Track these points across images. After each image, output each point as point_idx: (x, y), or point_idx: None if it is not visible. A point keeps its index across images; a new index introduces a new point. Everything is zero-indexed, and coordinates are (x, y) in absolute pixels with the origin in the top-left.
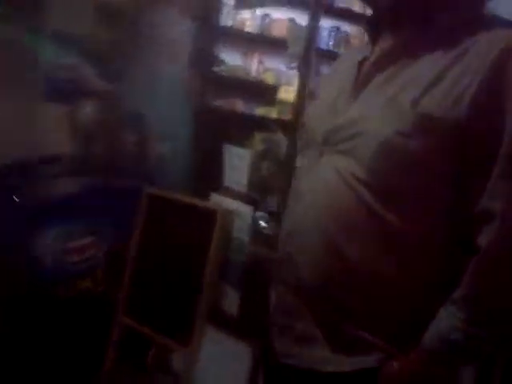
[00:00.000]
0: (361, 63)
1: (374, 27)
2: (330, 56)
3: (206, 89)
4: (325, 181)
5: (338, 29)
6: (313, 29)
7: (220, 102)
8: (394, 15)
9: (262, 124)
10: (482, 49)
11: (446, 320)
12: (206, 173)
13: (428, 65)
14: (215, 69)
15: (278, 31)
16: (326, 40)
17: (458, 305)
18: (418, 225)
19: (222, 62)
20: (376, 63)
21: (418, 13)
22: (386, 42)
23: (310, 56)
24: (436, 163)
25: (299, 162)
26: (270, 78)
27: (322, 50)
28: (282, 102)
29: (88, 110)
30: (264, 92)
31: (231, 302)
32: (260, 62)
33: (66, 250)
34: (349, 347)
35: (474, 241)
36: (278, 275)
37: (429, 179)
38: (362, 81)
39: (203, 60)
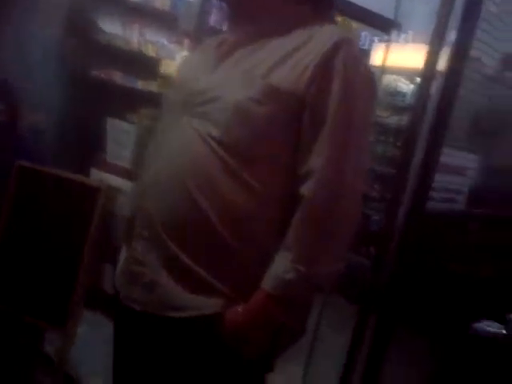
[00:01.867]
0: (220, 44)
1: (231, 16)
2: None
3: (83, 57)
4: (183, 140)
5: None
6: (204, 6)
7: (98, 73)
8: (245, 9)
9: (147, 98)
10: (320, 40)
11: (281, 263)
12: (86, 147)
13: (278, 48)
14: (93, 36)
15: (160, 4)
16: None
17: (289, 248)
18: (262, 179)
19: (101, 29)
20: (234, 44)
21: (267, 8)
22: (242, 28)
23: (201, 33)
24: (280, 127)
25: (159, 125)
26: (151, 51)
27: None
28: (164, 77)
29: None
30: (145, 65)
31: (110, 280)
32: (141, 34)
33: None
34: (195, 293)
35: (299, 194)
36: (130, 231)
37: (272, 140)
38: (220, 57)
39: (80, 26)
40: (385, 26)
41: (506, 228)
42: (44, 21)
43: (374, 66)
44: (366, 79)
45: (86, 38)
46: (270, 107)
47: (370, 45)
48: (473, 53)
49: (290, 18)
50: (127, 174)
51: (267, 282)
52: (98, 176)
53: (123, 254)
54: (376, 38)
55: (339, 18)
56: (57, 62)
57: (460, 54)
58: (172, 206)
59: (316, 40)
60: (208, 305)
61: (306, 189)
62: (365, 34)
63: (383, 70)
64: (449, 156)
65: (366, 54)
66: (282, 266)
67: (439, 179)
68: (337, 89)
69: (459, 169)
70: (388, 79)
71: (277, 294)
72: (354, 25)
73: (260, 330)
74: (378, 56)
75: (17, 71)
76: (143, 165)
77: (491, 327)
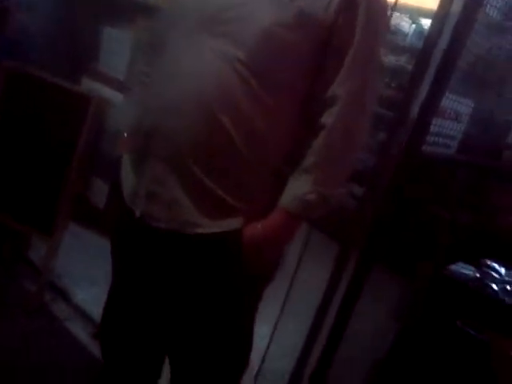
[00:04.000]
0: None
1: None
2: None
3: None
4: (205, 60)
5: None
6: None
7: None
8: None
9: (145, 8)
10: None
11: (301, 184)
12: (79, 53)
13: None
14: None
15: None
16: None
17: (309, 171)
18: (285, 102)
19: None
20: None
21: None
22: None
23: None
24: (306, 53)
25: (165, 40)
26: None
27: None
28: None
29: None
30: None
31: (99, 194)
32: None
33: None
34: (216, 211)
35: (318, 120)
36: (143, 149)
37: (298, 66)
38: None
39: None
40: None
41: (491, 177)
42: None
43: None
44: (385, 12)
45: None
46: (300, 33)
47: None
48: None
49: None
50: (120, 86)
51: (288, 202)
52: (89, 85)
53: (129, 171)
54: None
55: None
56: None
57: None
58: (196, 126)
59: None
60: (228, 222)
61: (328, 116)
62: None
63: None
64: (445, 99)
65: None
66: (302, 187)
67: (435, 123)
68: (362, 17)
69: (455, 114)
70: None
71: (298, 213)
72: None
73: (278, 245)
74: None
75: None
76: (145, 82)
77: (466, 270)
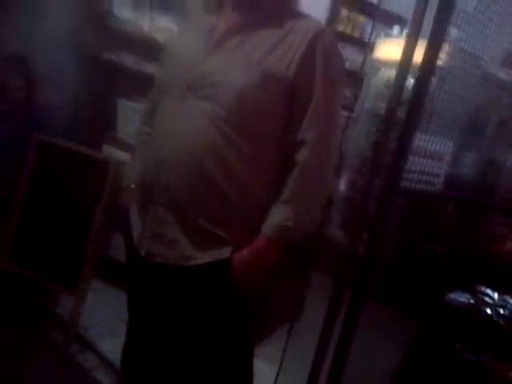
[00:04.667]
0: (211, 29)
1: (225, 5)
2: None
3: (96, 40)
4: (192, 120)
5: None
6: None
7: (110, 55)
8: (238, 2)
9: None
10: (301, 31)
11: (280, 213)
12: (99, 124)
13: (265, 38)
14: (106, 21)
15: None
16: None
17: (286, 202)
18: (260, 148)
19: (113, 14)
20: (226, 32)
21: (254, 2)
22: (231, 17)
23: None
24: (275, 106)
25: (158, 99)
26: (160, 36)
27: None
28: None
29: None
30: (155, 49)
31: (118, 247)
32: (151, 19)
33: None
34: (208, 244)
35: (293, 159)
36: (146, 196)
37: (269, 117)
38: (215, 43)
39: (94, 10)
40: (390, 21)
41: (477, 210)
42: (59, 3)
43: (378, 60)
44: (341, 63)
45: (99, 22)
46: (268, 91)
47: (376, 39)
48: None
49: (274, 11)
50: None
51: (268, 229)
52: (109, 151)
53: (136, 217)
54: (382, 32)
55: (346, 12)
56: (72, 43)
57: (430, 50)
58: (188, 176)
59: (297, 31)
60: (219, 252)
61: (300, 155)
62: (370, 27)
63: (385, 63)
64: (430, 142)
65: (371, 47)
66: (281, 216)
67: (421, 163)
68: (320, 73)
69: (438, 154)
70: (391, 73)
71: (277, 238)
72: (361, 18)
73: (262, 267)
74: (382, 50)
75: (34, 50)
76: (146, 141)
77: (462, 297)
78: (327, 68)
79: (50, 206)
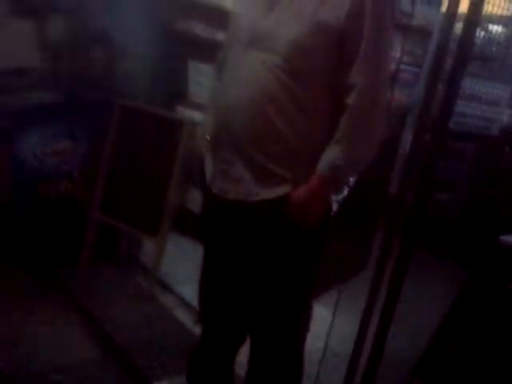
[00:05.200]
0: None
1: None
2: None
3: (170, 10)
4: (254, 70)
5: None
6: None
7: (183, 24)
8: None
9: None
10: None
11: (333, 152)
12: (173, 87)
13: None
14: None
15: None
16: None
17: (339, 142)
18: (315, 94)
19: None
20: None
21: None
22: None
23: None
24: (326, 52)
25: (226, 55)
26: (228, 4)
27: None
28: None
29: (56, 25)
30: (224, 17)
31: (194, 200)
32: None
33: (47, 152)
34: (270, 182)
35: (344, 103)
36: (216, 140)
37: (321, 63)
38: (270, 3)
39: None
40: None
41: None
42: None
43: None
44: (390, 12)
45: None
46: (319, 39)
47: None
48: None
49: None
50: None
51: (322, 167)
52: (183, 112)
53: (209, 161)
54: None
55: None
56: (146, 14)
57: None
58: (250, 119)
59: None
60: (280, 190)
61: (351, 98)
62: None
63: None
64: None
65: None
66: (334, 155)
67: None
68: (368, 21)
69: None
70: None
71: (330, 176)
72: None
73: (318, 202)
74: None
75: (113, 23)
76: (215, 93)
77: None
78: (375, 17)
79: (133, 163)
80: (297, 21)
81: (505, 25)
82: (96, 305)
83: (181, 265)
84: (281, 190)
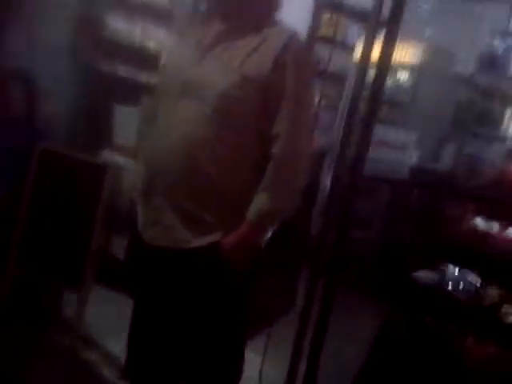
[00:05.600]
0: (201, 39)
1: (205, 18)
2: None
3: (91, 51)
4: (185, 117)
5: None
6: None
7: (104, 65)
8: (223, 13)
9: (149, 88)
10: (275, 38)
11: (260, 200)
12: (97, 130)
13: (244, 45)
14: (99, 32)
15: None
16: None
17: (266, 189)
18: (243, 142)
19: (107, 25)
20: (212, 41)
21: (238, 13)
22: (217, 27)
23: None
24: (253, 103)
25: (158, 102)
26: (153, 44)
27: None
28: None
29: None
30: (147, 58)
31: (119, 248)
32: (143, 29)
33: None
34: (201, 230)
35: (271, 152)
36: (147, 188)
37: (249, 114)
38: (204, 50)
39: (87, 21)
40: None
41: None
42: (55, 16)
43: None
44: (311, 65)
45: (93, 33)
46: (246, 90)
47: (356, 40)
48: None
49: (254, 21)
50: (132, 154)
51: (250, 215)
52: (107, 156)
53: (140, 208)
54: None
55: (328, 15)
56: (69, 55)
57: (385, 49)
58: (182, 168)
59: (272, 38)
60: (210, 237)
61: (276, 147)
62: (352, 29)
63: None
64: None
65: (352, 48)
66: (261, 202)
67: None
68: (290, 75)
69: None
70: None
71: (258, 223)
72: (342, 20)
73: (247, 249)
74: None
75: (33, 63)
76: (149, 140)
77: (427, 275)
78: (297, 70)
79: (53, 210)
80: (226, 72)
81: (411, 72)
82: (13, 365)
83: (105, 317)
84: (211, 238)
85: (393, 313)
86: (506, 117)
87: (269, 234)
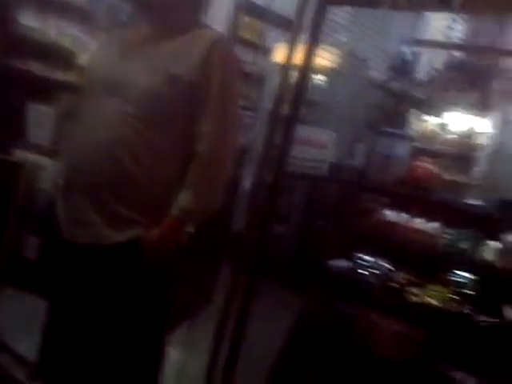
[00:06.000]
0: (127, 39)
1: (138, 16)
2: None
3: (3, 49)
4: (107, 116)
5: None
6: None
7: (18, 63)
8: (148, 16)
9: (64, 87)
10: (201, 40)
11: (184, 197)
12: (10, 129)
13: (171, 47)
14: (12, 30)
15: None
16: None
17: (189, 187)
18: (167, 141)
19: (20, 23)
20: (140, 40)
21: (162, 16)
22: (143, 28)
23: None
24: (178, 102)
25: (80, 100)
26: (67, 43)
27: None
28: (80, 67)
29: None
30: (62, 56)
31: (32, 247)
32: (58, 27)
33: None
34: (122, 225)
35: (195, 150)
36: (68, 185)
37: (173, 113)
38: (129, 50)
39: (2, 20)
40: (288, 27)
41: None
42: None
43: (278, 64)
44: (236, 66)
45: (5, 31)
46: (171, 89)
47: (274, 44)
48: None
49: (180, 23)
50: (47, 152)
51: (174, 211)
52: (21, 155)
53: (60, 205)
54: (282, 38)
55: (246, 19)
56: None
57: (307, 55)
58: (104, 165)
59: (198, 39)
60: (132, 232)
61: (200, 146)
62: (270, 33)
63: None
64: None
65: (270, 51)
66: (185, 199)
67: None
68: (216, 75)
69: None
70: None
71: (181, 219)
72: (259, 25)
73: (169, 245)
74: (279, 53)
75: None
76: (68, 139)
77: (342, 263)
78: (224, 71)
79: None
80: (151, 71)
81: (327, 75)
82: None
83: (14, 318)
84: (133, 233)
85: (310, 301)
86: (412, 118)
87: (192, 230)
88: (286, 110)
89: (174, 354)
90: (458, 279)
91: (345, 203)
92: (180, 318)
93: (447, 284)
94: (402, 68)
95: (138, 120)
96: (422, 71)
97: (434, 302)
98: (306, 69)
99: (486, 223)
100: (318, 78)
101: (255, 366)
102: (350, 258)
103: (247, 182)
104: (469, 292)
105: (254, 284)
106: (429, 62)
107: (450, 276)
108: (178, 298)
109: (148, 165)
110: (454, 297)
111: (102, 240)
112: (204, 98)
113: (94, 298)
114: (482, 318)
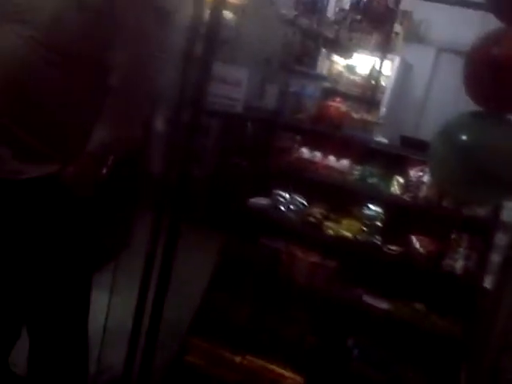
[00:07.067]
0: None
1: None
2: None
3: None
4: (9, 43)
5: None
6: None
7: None
8: None
9: None
10: None
11: (100, 132)
12: None
13: None
14: None
15: None
16: None
17: (105, 121)
18: (79, 70)
19: None
20: None
21: None
22: None
23: None
24: (87, 30)
25: None
26: None
27: None
28: None
29: None
30: None
31: None
32: None
33: None
34: (36, 160)
35: (110, 83)
36: None
37: (81, 41)
38: None
39: None
40: None
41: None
42: None
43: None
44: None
45: None
46: (79, 15)
47: None
48: None
49: None
50: None
51: (90, 146)
52: None
53: None
54: None
55: None
56: None
57: None
58: (9, 96)
59: None
60: (46, 167)
61: (115, 79)
62: None
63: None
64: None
65: None
66: (101, 134)
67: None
68: (123, 3)
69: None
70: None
71: (98, 153)
72: None
73: (87, 180)
74: None
75: None
76: None
77: (262, 200)
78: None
79: None
80: None
81: (235, 11)
82: None
83: None
84: (48, 169)
85: (230, 239)
86: (322, 56)
87: (110, 164)
88: (199, 47)
89: (100, 297)
90: (369, 212)
91: (261, 142)
92: (102, 260)
93: (359, 217)
94: (312, 5)
95: (44, 46)
96: (331, 10)
97: (348, 234)
98: (219, 5)
99: (391, 159)
100: (227, 15)
101: (183, 305)
102: (268, 195)
103: (160, 124)
104: (378, 224)
105: (177, 226)
106: (337, 3)
107: (361, 210)
108: (99, 240)
109: (56, 95)
110: (365, 229)
111: (15, 175)
112: (116, 27)
113: (12, 235)
114: (390, 246)
